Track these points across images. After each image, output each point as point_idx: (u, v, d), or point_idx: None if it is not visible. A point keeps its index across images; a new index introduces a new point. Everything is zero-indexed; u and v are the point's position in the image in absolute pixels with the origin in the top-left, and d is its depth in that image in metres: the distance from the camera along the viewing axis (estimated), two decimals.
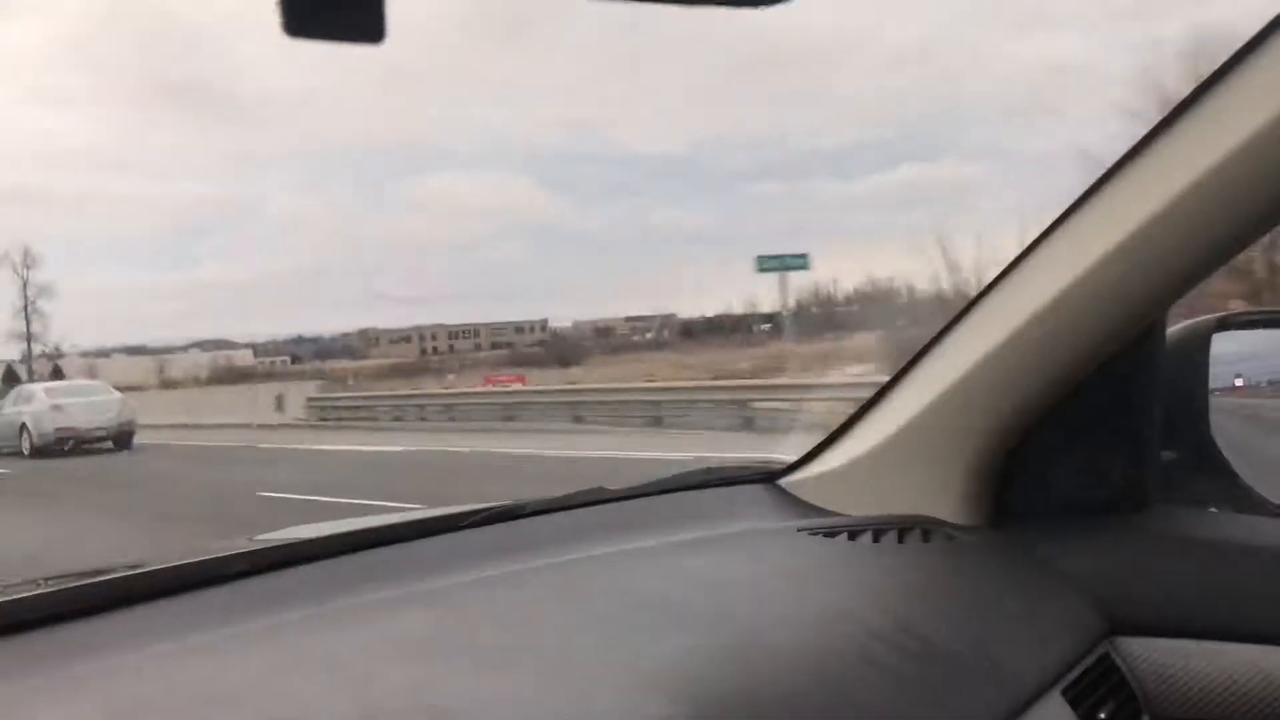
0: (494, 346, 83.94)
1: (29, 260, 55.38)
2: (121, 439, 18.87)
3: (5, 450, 18.98)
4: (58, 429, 17.99)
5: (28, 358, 57.87)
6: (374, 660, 0.89)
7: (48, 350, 58.06)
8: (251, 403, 23.52)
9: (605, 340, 72.87)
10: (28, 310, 56.67)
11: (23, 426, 18.28)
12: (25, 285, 55.90)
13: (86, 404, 18.62)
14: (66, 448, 17.96)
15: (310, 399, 25.49)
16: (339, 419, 23.40)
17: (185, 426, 22.15)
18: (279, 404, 22.78)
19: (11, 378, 47.23)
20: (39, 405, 18.36)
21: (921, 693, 0.92)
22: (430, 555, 1.18)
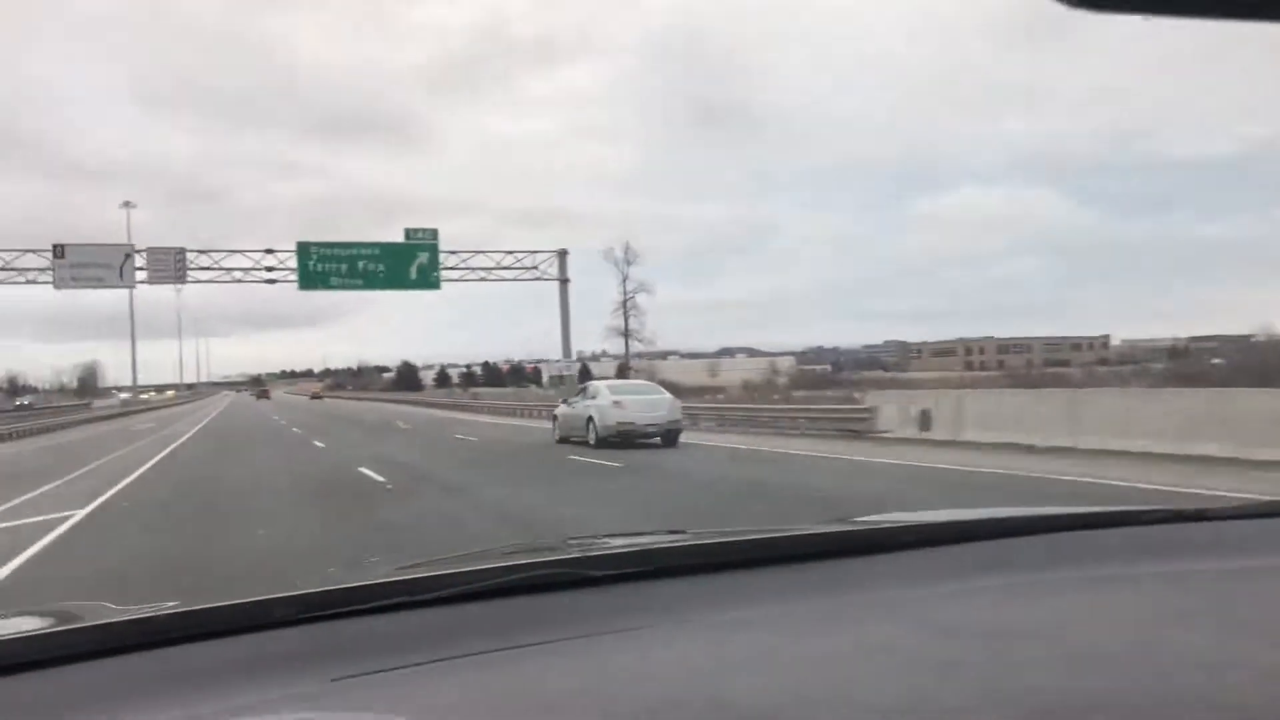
0: (1049, 363, 77.73)
1: (629, 255, 57.36)
2: (670, 435, 19.90)
3: (574, 439, 21.14)
4: (618, 423, 19.49)
5: (626, 354, 60.25)
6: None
7: (645, 348, 59.98)
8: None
9: (1183, 362, 63.21)
10: (626, 307, 58.28)
11: (589, 419, 20.09)
12: (624, 280, 57.79)
13: (643, 401, 20.00)
14: (624, 440, 19.36)
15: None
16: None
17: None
18: (924, 419, 19.50)
19: (585, 374, 53.93)
20: (603, 400, 20.09)
21: None
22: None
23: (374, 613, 1.24)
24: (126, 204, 57.72)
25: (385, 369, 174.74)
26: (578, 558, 1.53)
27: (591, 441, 19.91)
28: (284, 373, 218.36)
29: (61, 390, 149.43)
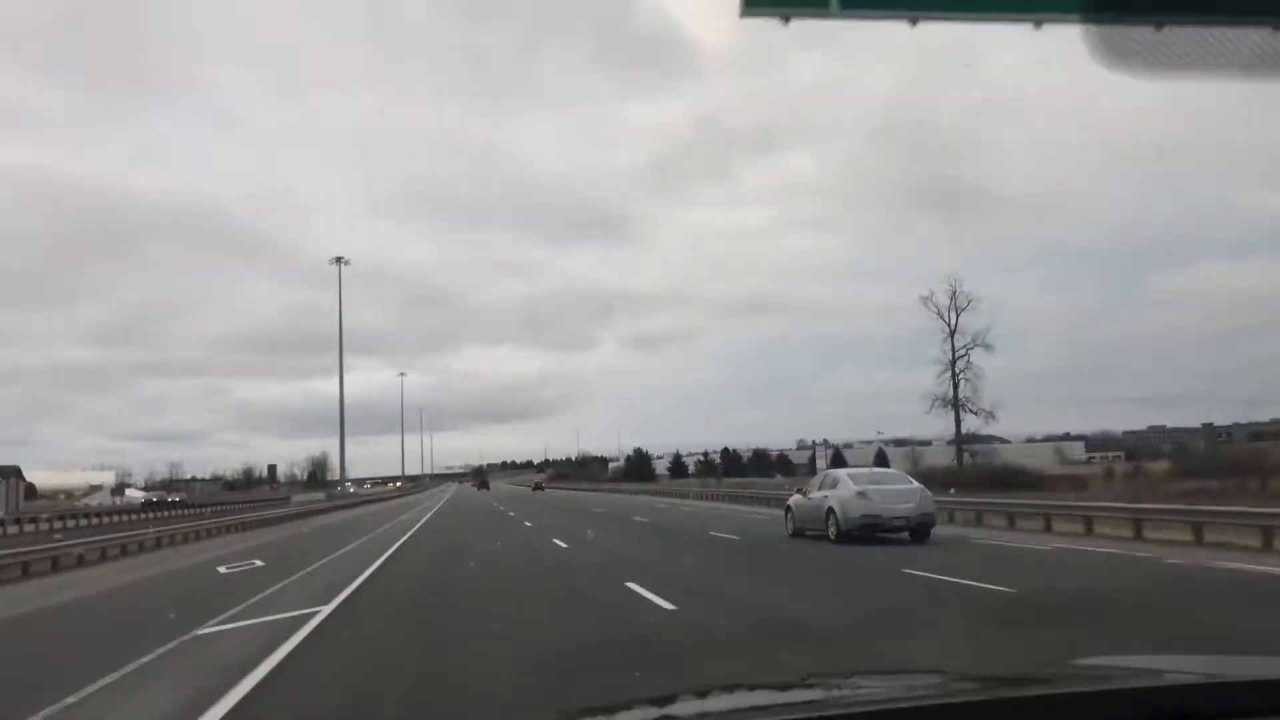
0: None
1: (958, 302, 48.77)
2: (920, 530, 18.29)
3: (810, 532, 19.85)
4: (863, 515, 18.13)
5: (957, 429, 50.16)
6: None
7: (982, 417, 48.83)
8: None
9: None
10: (954, 368, 49.60)
11: (829, 510, 18.78)
12: (952, 334, 49.62)
13: (890, 492, 18.51)
14: (867, 534, 17.96)
15: None
16: None
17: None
18: None
19: (839, 461, 49.17)
20: (845, 491, 18.76)
21: None
22: None
23: None
24: (338, 259, 60.91)
25: (606, 459, 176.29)
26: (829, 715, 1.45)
27: (831, 535, 18.61)
28: (504, 464, 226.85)
29: (293, 482, 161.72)
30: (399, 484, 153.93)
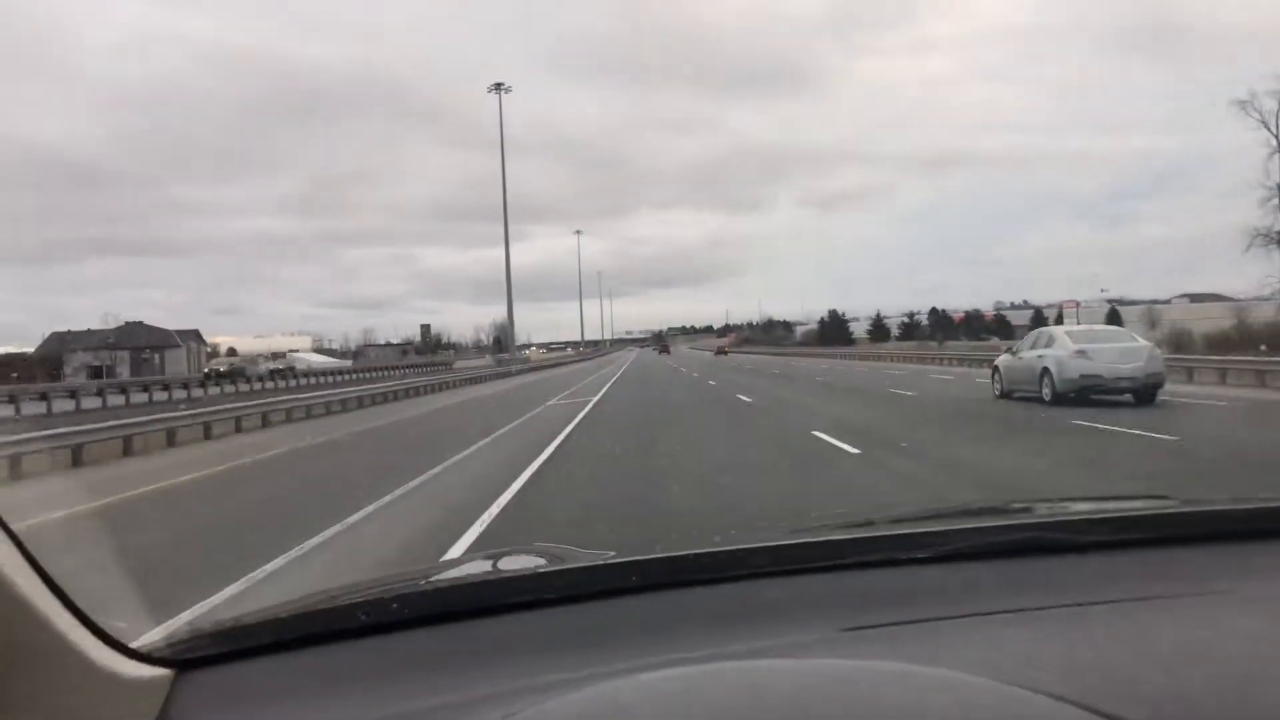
0: None
1: None
2: (1146, 391, 17.03)
3: (1020, 394, 18.94)
4: (1082, 375, 17.02)
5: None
6: None
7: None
8: None
9: None
10: None
11: (1044, 371, 17.72)
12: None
13: (1113, 350, 17.22)
14: (1086, 396, 16.94)
15: None
16: None
17: None
18: None
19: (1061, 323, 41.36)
20: (1061, 350, 17.61)
21: None
22: None
23: (868, 567, 1.32)
24: (498, 85, 58.52)
25: (790, 323, 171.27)
26: (1057, 521, 1.62)
27: (1046, 397, 17.58)
28: (684, 329, 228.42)
29: (478, 346, 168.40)
30: (578, 348, 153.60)
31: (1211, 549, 1.38)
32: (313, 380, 49.08)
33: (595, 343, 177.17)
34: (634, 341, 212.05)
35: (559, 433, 15.97)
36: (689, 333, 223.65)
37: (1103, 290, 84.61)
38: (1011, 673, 0.93)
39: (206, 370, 59.86)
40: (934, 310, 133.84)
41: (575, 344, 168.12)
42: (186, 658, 1.16)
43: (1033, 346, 18.95)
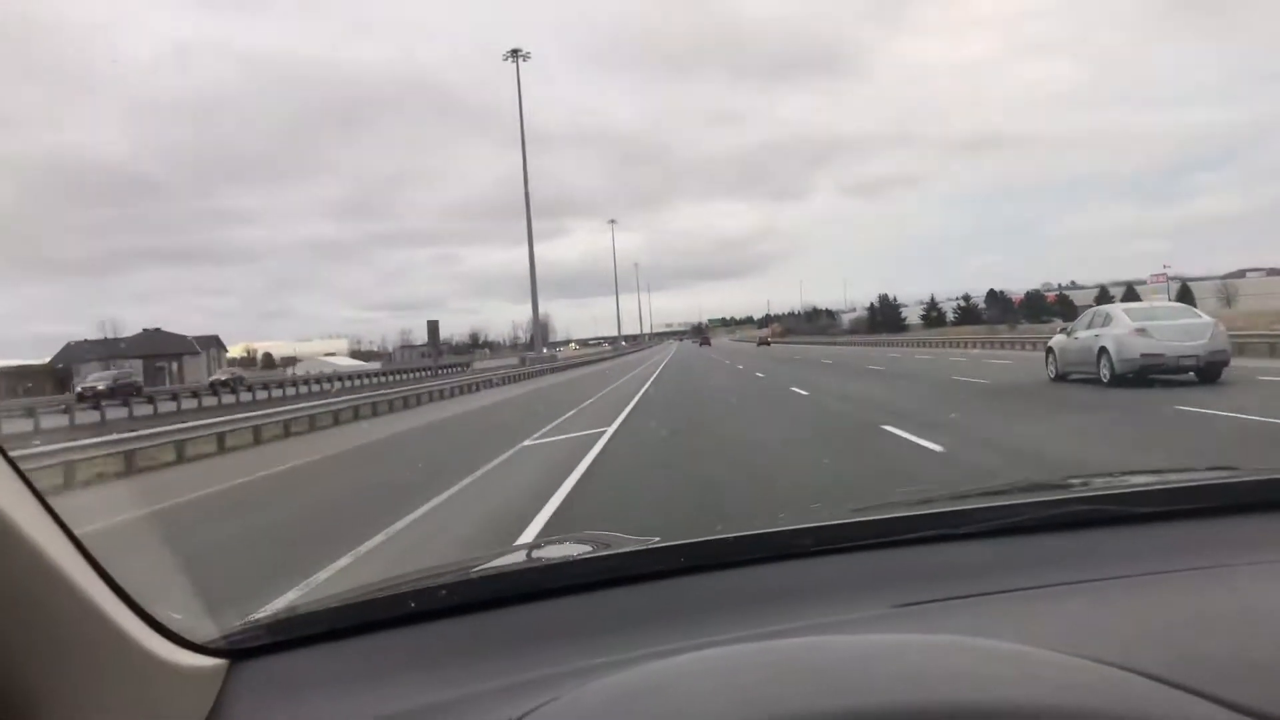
0: None
1: None
2: (1211, 370, 16.48)
3: (1077, 374, 18.45)
4: (1143, 354, 16.48)
5: None
6: None
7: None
8: None
9: None
10: None
11: (1101, 351, 17.23)
12: None
13: (1175, 328, 16.67)
14: (1146, 376, 16.42)
15: None
16: None
17: None
18: None
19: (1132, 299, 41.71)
20: (1119, 328, 17.08)
21: None
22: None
23: (914, 544, 1.33)
24: (514, 52, 57.03)
25: (833, 311, 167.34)
26: (1112, 494, 1.59)
27: (1105, 378, 17.09)
28: (725, 320, 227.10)
29: (514, 345, 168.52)
30: (615, 343, 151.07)
31: (1271, 517, 1.38)
32: (294, 390, 46.39)
33: (634, 337, 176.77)
34: (673, 334, 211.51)
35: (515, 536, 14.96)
36: (729, 324, 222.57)
37: (1166, 266, 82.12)
38: (1071, 644, 0.93)
39: (211, 380, 56.92)
40: (992, 293, 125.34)
41: (613, 339, 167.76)
42: (240, 648, 1.20)
43: (1089, 326, 18.41)
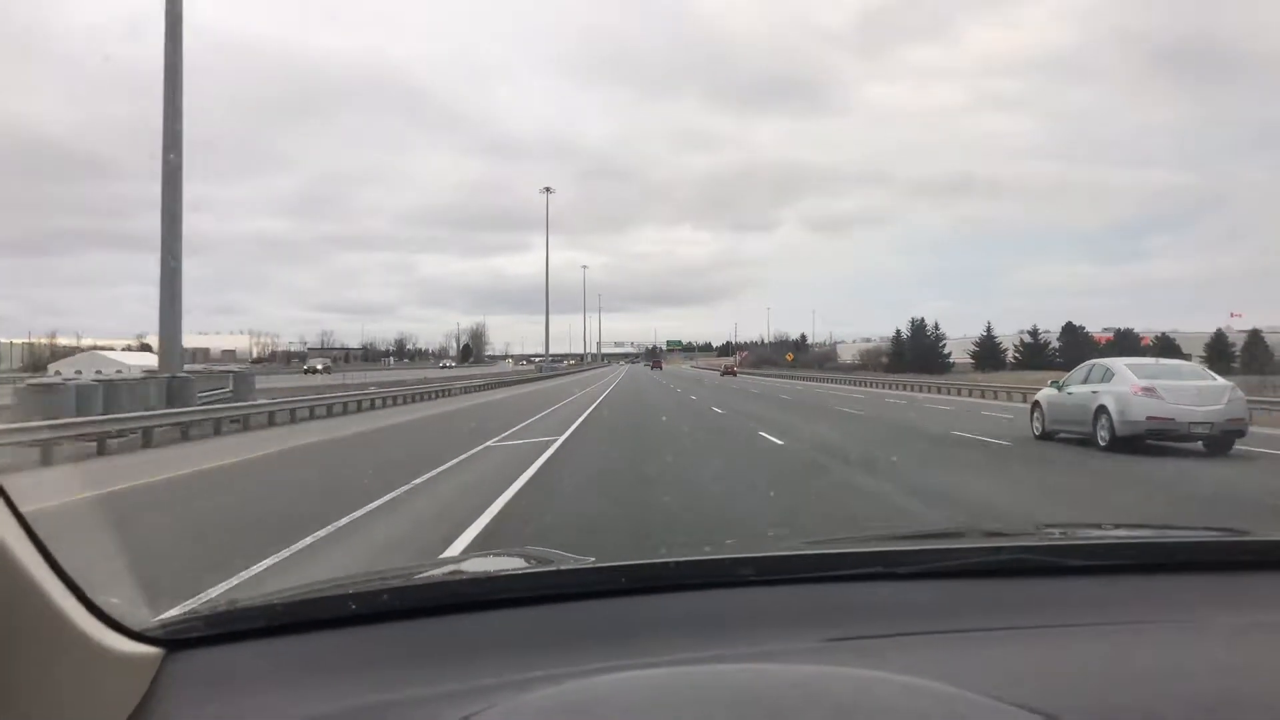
0: None
1: None
2: (1224, 441, 14.83)
3: (1066, 435, 16.91)
4: (1149, 417, 14.73)
5: None
6: None
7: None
8: None
9: None
10: None
11: (1100, 410, 15.47)
12: None
13: (1187, 389, 14.93)
14: (1146, 442, 14.83)
15: None
16: None
17: None
18: None
19: (1171, 349, 33.89)
20: (1122, 385, 15.35)
21: None
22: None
23: (853, 580, 1.40)
24: (546, 189, 62.25)
25: (802, 342, 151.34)
26: (1047, 545, 1.68)
27: (1101, 440, 15.38)
28: (683, 345, 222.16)
29: (438, 355, 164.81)
30: (538, 361, 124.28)
31: (1191, 578, 1.49)
32: None
33: (580, 356, 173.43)
34: (624, 357, 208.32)
35: None
36: (688, 350, 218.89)
37: (1234, 315, 78.66)
38: (989, 687, 0.96)
39: None
40: (1070, 328, 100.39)
41: (561, 357, 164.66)
42: (178, 638, 1.23)
43: (1085, 380, 16.71)
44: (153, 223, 22.31)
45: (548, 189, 77.76)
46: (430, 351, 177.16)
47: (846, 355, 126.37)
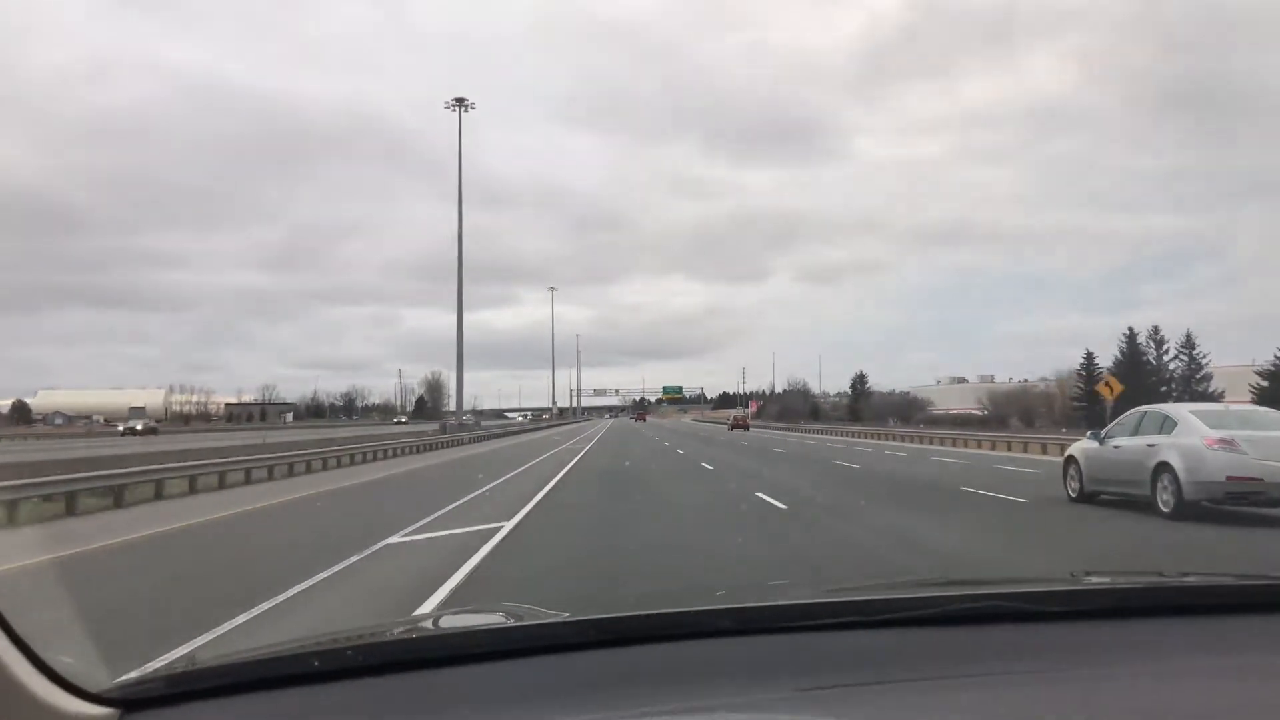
0: None
1: None
2: None
3: (1111, 495, 14.44)
4: (1229, 477, 12.14)
5: None
6: None
7: None
8: None
9: None
10: None
11: (1160, 467, 12.86)
12: None
13: (1274, 441, 12.35)
14: (1220, 505, 12.30)
15: None
16: None
17: None
18: None
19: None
20: (1190, 437, 12.74)
21: None
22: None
23: (826, 630, 1.42)
24: (459, 101, 52.59)
25: (807, 392, 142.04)
26: (1017, 592, 1.70)
27: (1164, 506, 12.76)
28: (675, 397, 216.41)
29: (386, 410, 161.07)
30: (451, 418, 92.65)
31: (1167, 621, 1.51)
32: None
33: (563, 410, 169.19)
34: (607, 409, 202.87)
35: None
36: (679, 403, 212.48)
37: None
38: None
39: None
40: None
41: (545, 410, 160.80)
42: (134, 699, 1.23)
43: (1137, 431, 14.13)
44: (119, 278, 19.26)
45: (460, 101, 57.92)
46: (377, 406, 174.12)
47: (946, 400, 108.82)
